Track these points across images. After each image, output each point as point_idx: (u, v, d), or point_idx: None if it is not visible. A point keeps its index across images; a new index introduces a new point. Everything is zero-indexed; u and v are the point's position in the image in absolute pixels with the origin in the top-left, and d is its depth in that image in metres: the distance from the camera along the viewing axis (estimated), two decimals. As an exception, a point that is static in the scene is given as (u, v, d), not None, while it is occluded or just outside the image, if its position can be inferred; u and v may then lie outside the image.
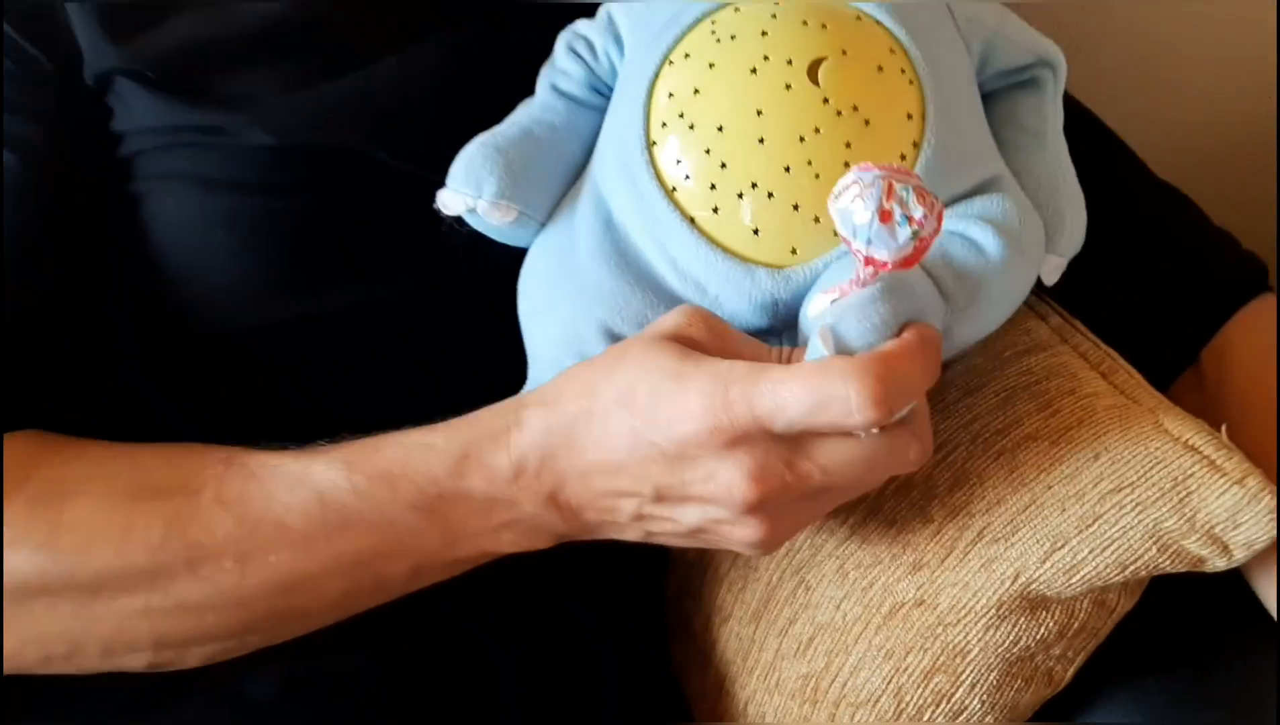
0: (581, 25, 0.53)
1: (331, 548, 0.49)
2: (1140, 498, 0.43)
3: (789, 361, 0.42)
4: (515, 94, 0.55)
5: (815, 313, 0.42)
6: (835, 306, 0.40)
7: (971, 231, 0.44)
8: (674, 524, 0.45)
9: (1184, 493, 0.43)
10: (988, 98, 0.52)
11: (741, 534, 0.43)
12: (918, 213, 0.37)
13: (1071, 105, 0.56)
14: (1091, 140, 0.58)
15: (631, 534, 0.47)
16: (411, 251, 0.56)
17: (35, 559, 0.50)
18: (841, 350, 0.39)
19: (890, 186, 0.37)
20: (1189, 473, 0.43)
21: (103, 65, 0.56)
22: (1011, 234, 0.44)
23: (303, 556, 0.49)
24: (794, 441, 0.41)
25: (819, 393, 0.38)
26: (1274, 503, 0.42)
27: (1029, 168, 0.50)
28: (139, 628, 0.51)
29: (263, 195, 0.58)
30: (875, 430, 0.39)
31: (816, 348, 0.39)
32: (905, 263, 0.38)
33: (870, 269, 0.38)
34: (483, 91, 0.56)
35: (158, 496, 0.51)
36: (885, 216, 0.37)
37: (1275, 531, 0.42)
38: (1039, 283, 0.49)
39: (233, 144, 0.57)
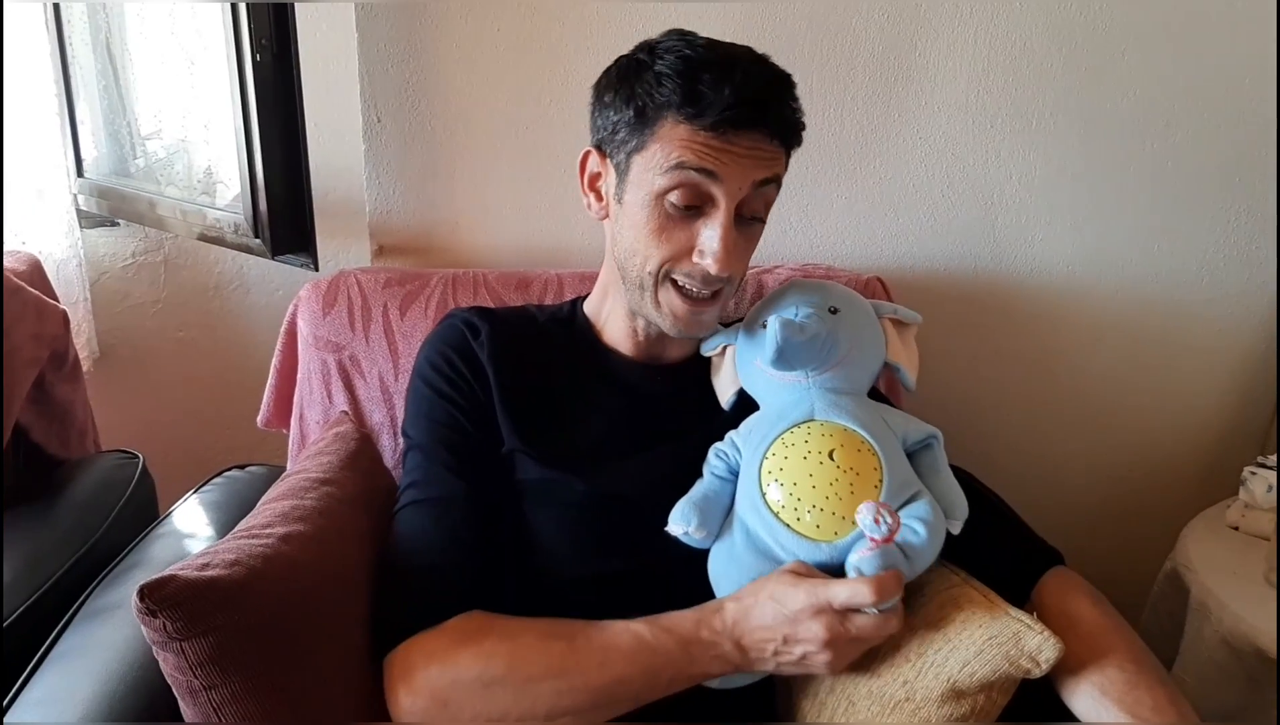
0: (718, 445, 1.03)
1: (640, 662, 0.89)
2: (999, 640, 0.88)
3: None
4: (696, 472, 1.03)
5: (854, 560, 0.89)
6: (859, 559, 0.88)
7: (915, 526, 0.91)
8: (790, 656, 0.88)
9: (1017, 638, 0.88)
10: (910, 455, 1.00)
11: (821, 659, 0.88)
12: (889, 521, 0.86)
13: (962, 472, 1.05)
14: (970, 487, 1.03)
15: (769, 665, 0.90)
16: (650, 543, 1.00)
17: (501, 665, 0.89)
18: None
19: (879, 511, 0.86)
20: (1018, 630, 0.89)
21: (511, 446, 1.04)
22: (932, 526, 0.92)
23: (627, 665, 0.89)
24: (843, 614, 0.86)
25: (854, 590, 0.85)
26: (1057, 644, 0.87)
27: (933, 485, 0.98)
28: (546, 703, 0.89)
29: (578, 510, 1.03)
30: (876, 610, 0.86)
31: (852, 575, 0.87)
32: (886, 541, 0.87)
33: (873, 545, 0.87)
34: (689, 469, 1.03)
35: (558, 637, 0.92)
36: (878, 522, 0.86)
37: (1057, 655, 0.87)
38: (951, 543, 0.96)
39: (568, 488, 1.03)
